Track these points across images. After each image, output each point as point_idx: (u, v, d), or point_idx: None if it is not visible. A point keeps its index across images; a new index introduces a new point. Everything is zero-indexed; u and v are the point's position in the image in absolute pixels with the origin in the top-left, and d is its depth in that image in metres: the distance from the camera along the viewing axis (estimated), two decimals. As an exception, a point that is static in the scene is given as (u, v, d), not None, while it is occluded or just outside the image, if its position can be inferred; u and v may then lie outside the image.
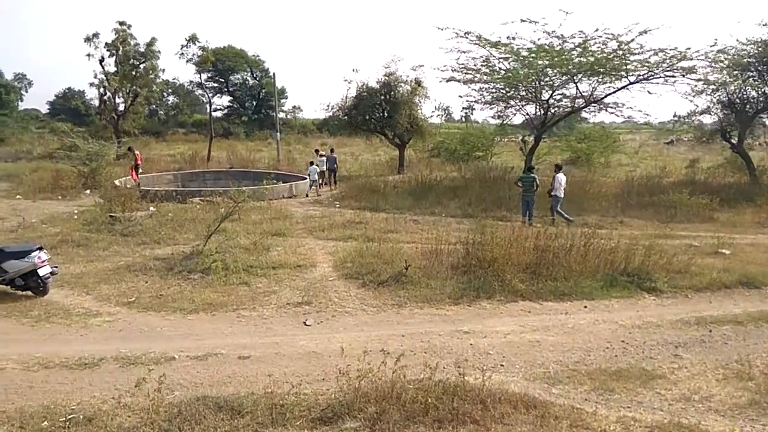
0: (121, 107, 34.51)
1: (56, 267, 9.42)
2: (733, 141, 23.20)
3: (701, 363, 6.51)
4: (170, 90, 56.77)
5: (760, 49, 21.19)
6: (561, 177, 15.30)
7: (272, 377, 6.13)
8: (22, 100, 62.91)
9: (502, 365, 6.53)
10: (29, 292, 8.99)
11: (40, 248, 9.02)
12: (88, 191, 20.27)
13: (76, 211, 16.25)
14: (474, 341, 7.23)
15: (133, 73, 31.75)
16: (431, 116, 48.43)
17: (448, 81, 21.11)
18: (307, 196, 21.59)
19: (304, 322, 7.99)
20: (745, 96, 22.53)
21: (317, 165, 23.21)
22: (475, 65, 20.38)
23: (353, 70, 38.46)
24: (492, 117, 25.74)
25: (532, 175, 15.25)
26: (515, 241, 10.25)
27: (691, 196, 16.50)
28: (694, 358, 6.68)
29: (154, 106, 41.58)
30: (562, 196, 15.24)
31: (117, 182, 20.36)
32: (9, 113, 50.17)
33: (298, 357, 6.71)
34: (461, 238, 12.13)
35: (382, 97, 25.55)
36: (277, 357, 6.70)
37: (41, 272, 8.79)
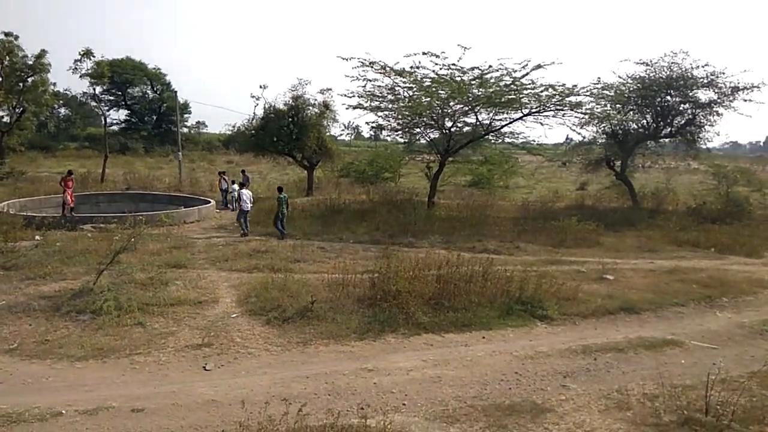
0: (6, 122, 31.70)
1: None
2: (616, 169, 25.35)
3: (586, 393, 7.01)
4: (61, 102, 53.05)
5: (638, 85, 23.45)
6: (244, 192, 17.99)
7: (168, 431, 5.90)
8: None
9: (404, 404, 6.66)
10: None
11: None
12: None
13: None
14: (378, 380, 7.33)
15: (20, 86, 29.25)
16: (340, 135, 48.71)
17: (354, 108, 21.43)
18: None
19: (204, 367, 7.72)
20: (626, 128, 24.78)
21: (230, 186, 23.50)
22: (381, 93, 20.85)
23: (261, 86, 37.64)
24: (399, 137, 26.32)
25: (283, 195, 17.50)
26: (419, 271, 10.60)
27: (579, 222, 17.72)
28: (580, 388, 7.18)
29: (43, 118, 38.42)
30: (248, 209, 17.78)
31: (-2, 206, 18.67)
32: None
33: (197, 407, 6.47)
34: (368, 267, 12.36)
35: (290, 120, 25.36)
36: (174, 408, 6.42)
37: None
